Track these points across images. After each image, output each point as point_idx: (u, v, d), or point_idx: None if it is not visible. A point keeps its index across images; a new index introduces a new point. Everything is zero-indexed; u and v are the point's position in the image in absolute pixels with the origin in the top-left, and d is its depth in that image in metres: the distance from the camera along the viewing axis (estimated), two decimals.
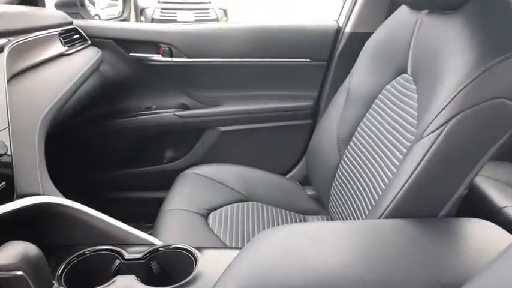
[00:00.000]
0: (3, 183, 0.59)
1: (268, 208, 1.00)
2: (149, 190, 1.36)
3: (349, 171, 0.85)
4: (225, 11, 5.21)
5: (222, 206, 0.98)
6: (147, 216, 1.35)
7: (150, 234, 0.72)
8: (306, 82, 1.30)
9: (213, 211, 0.96)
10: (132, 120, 1.27)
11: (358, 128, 0.86)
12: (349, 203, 0.82)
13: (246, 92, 1.30)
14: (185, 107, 1.32)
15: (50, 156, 0.73)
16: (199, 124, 1.30)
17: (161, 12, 4.89)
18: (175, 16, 4.85)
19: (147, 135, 1.31)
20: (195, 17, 4.93)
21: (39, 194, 0.64)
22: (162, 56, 1.25)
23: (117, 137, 1.29)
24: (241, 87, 1.30)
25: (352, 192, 0.81)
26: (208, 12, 5.05)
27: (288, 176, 1.37)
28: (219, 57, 1.24)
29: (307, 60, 1.27)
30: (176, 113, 1.28)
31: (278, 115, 1.30)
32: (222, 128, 1.29)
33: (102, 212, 0.67)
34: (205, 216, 0.93)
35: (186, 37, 1.25)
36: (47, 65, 0.88)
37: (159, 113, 1.28)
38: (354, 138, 0.87)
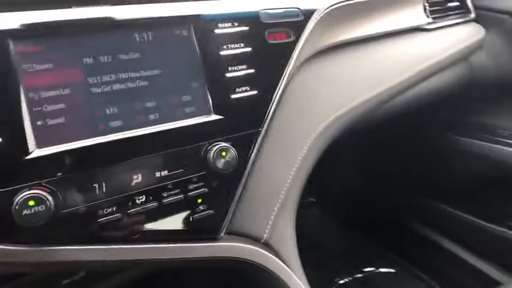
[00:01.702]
0: (210, 210, 0.39)
1: None
2: (467, 250, 0.95)
3: None
4: None
5: None
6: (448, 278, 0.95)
7: None
8: None
9: None
10: (485, 146, 0.84)
11: None
12: None
13: None
14: None
15: None
16: None
17: None
18: None
19: (498, 175, 0.85)
20: None
21: (260, 241, 0.42)
22: None
23: (448, 160, 0.93)
24: None
25: None
26: None
27: None
28: None
29: None
30: None
31: None
32: None
33: None
34: None
35: None
36: (383, 43, 0.58)
37: None
38: None
